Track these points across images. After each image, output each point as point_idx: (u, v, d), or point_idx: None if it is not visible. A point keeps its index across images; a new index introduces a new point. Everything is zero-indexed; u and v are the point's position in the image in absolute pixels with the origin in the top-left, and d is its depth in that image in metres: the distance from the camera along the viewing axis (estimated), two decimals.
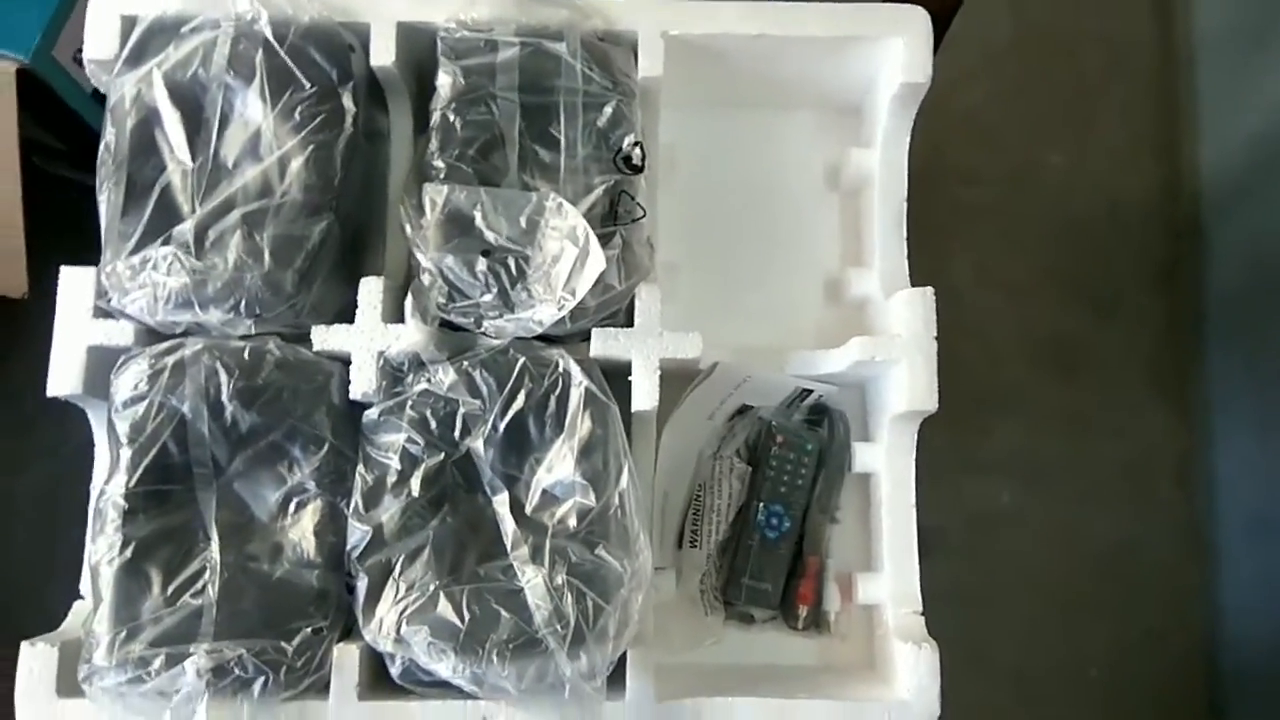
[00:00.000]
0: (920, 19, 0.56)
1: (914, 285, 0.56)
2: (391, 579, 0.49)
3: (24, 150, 0.80)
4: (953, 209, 1.07)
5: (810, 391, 0.58)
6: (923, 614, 0.53)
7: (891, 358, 0.53)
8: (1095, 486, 1.06)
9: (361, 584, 0.49)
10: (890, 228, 0.58)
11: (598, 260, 0.50)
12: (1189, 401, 1.08)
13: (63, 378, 0.51)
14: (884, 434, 0.56)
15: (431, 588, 0.48)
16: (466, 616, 0.48)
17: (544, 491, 0.51)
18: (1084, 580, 1.04)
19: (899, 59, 0.56)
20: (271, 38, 0.52)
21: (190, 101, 0.52)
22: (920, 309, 0.53)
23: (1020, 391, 1.06)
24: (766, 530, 0.56)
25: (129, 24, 0.54)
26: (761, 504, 0.56)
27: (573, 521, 0.50)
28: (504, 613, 0.48)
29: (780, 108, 0.63)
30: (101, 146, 0.53)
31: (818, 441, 0.58)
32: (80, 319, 0.52)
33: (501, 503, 0.51)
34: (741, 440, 0.57)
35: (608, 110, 0.54)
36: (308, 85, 0.52)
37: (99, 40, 0.55)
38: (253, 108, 0.52)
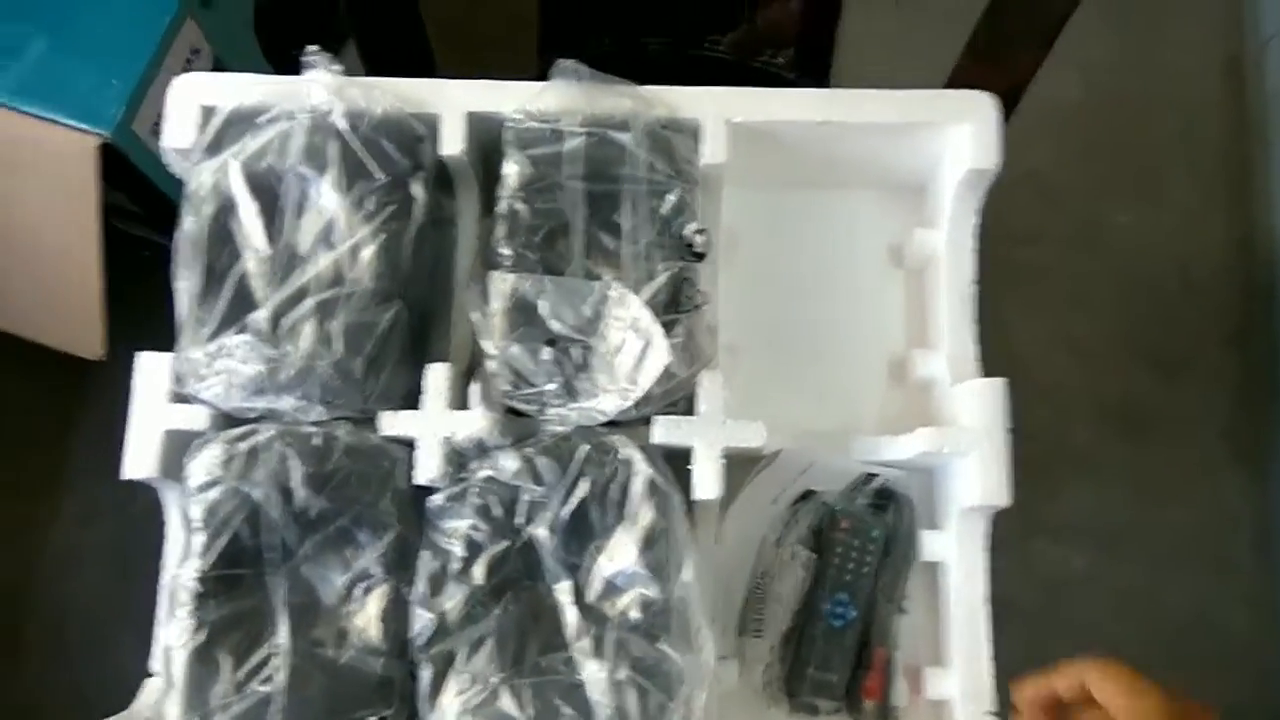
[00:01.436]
0: (988, 106, 0.55)
1: (980, 353, 0.55)
2: (454, 670, 0.49)
3: (103, 214, 0.84)
4: (1018, 269, 1.06)
5: (875, 475, 0.57)
6: (998, 715, 0.52)
7: (961, 450, 0.52)
8: (1169, 554, 1.02)
9: (425, 673, 0.49)
10: (958, 311, 0.57)
11: (661, 352, 0.51)
12: (1266, 466, 1.04)
13: (139, 461, 0.53)
14: (953, 524, 0.54)
15: (494, 681, 0.48)
16: (529, 713, 0.47)
17: (606, 581, 0.51)
18: (1158, 654, 0.99)
19: (966, 145, 0.55)
20: (345, 129, 0.54)
21: (266, 190, 0.54)
22: (991, 400, 0.52)
23: (1089, 455, 1.03)
24: (832, 619, 0.55)
25: (208, 114, 0.56)
26: (826, 592, 0.55)
27: (635, 613, 0.50)
28: (565, 708, 0.48)
29: (842, 187, 0.63)
30: (178, 234, 0.54)
31: (883, 527, 0.56)
32: (157, 403, 0.53)
33: (563, 591, 0.51)
34: (805, 527, 0.56)
35: (671, 198, 0.54)
36: (379, 175, 0.53)
37: (178, 130, 0.57)
38: (326, 197, 0.53)
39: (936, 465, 0.57)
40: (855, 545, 0.56)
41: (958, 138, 0.56)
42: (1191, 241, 1.10)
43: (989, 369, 0.56)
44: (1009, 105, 0.59)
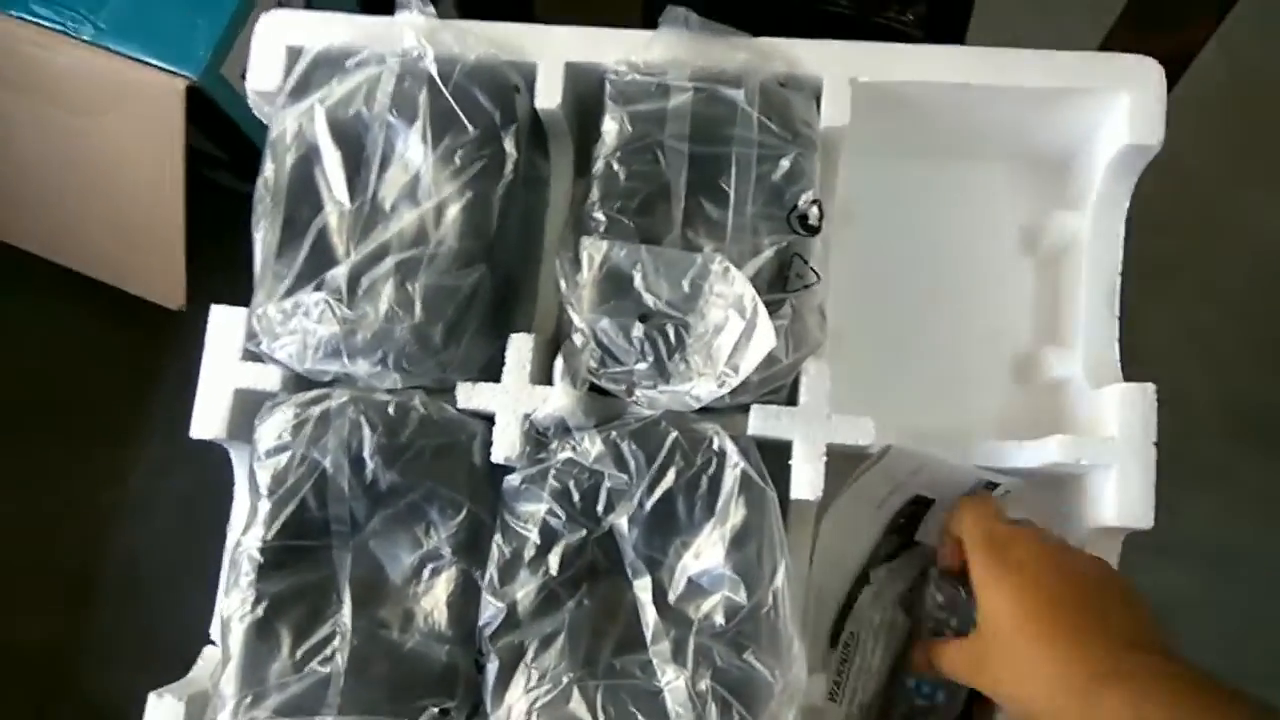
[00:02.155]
0: (1154, 73, 0.48)
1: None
2: (523, 664, 0.45)
3: (188, 160, 0.82)
4: (1146, 260, 0.96)
5: (995, 485, 0.51)
6: None
7: (1101, 462, 0.46)
8: None
9: (492, 666, 0.46)
10: (1100, 306, 0.51)
11: (766, 335, 0.46)
12: None
13: (207, 420, 0.50)
14: (1083, 545, 0.49)
15: (565, 680, 0.45)
16: (600, 717, 0.44)
17: (690, 580, 0.46)
18: (1260, 685, 0.92)
19: (1124, 117, 0.49)
20: (436, 76, 0.50)
21: (352, 140, 0.50)
22: (1140, 408, 0.46)
23: (1215, 467, 0.95)
24: (917, 696, 0.50)
25: (294, 55, 0.53)
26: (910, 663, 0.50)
27: (719, 618, 0.45)
28: (640, 717, 0.44)
29: (973, 159, 0.57)
30: (259, 181, 0.52)
31: None
32: (228, 361, 0.51)
33: (643, 588, 0.47)
34: (903, 585, 0.51)
35: (784, 164, 0.49)
36: (470, 128, 0.49)
37: (263, 71, 0.54)
38: (414, 149, 0.50)
39: (1066, 477, 0.51)
40: (951, 625, 0.50)
41: (1116, 108, 0.49)
42: None
43: None
44: (1174, 76, 0.52)
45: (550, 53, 0.51)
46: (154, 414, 1.05)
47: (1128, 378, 0.49)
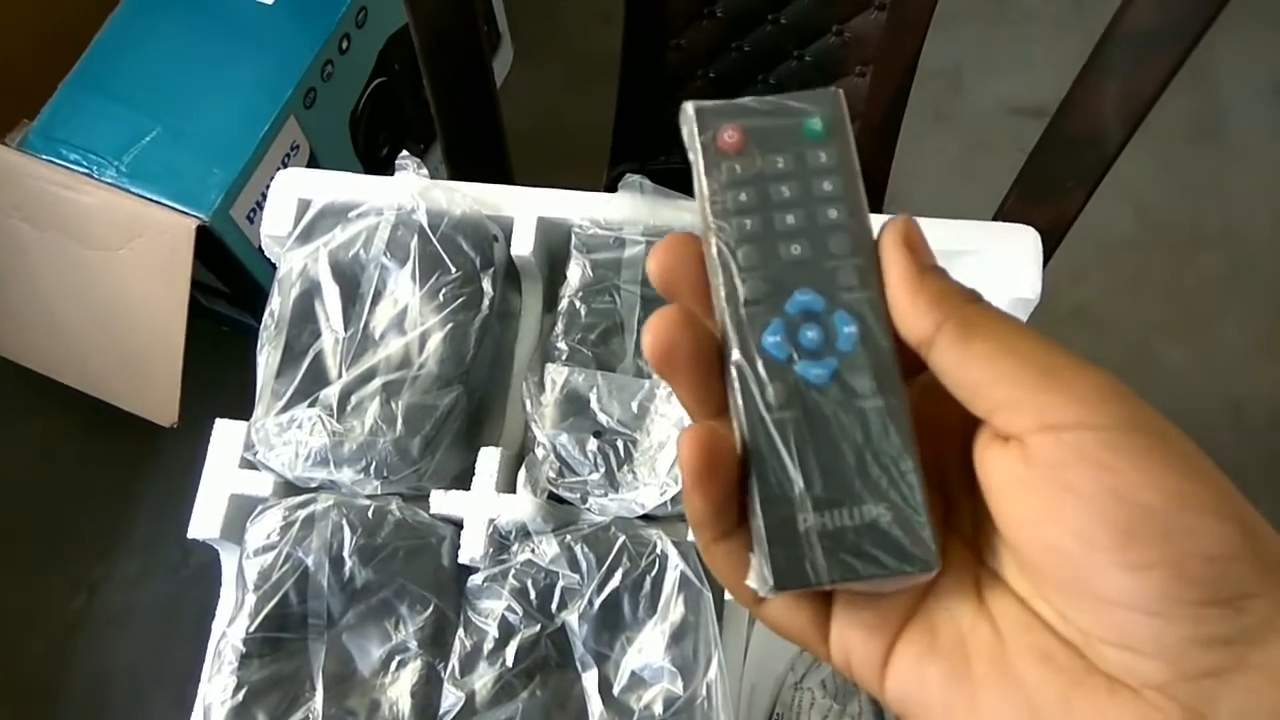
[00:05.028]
0: (1030, 238, 0.58)
1: None
2: None
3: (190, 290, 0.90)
4: None
5: None
6: None
7: None
8: None
9: None
10: None
11: None
12: None
13: (205, 522, 0.56)
14: None
15: None
16: None
17: (632, 673, 0.52)
18: None
19: (1008, 274, 0.58)
20: (427, 226, 0.58)
21: (349, 278, 0.58)
22: None
23: None
24: None
25: (304, 206, 0.61)
26: None
27: (659, 709, 0.50)
28: None
29: None
30: (266, 312, 0.59)
31: None
32: (228, 468, 0.56)
33: (590, 680, 0.52)
34: (828, 671, 0.57)
35: None
36: (453, 270, 0.58)
37: (276, 218, 0.62)
38: (403, 287, 0.58)
39: None
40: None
41: (1000, 267, 0.58)
42: (1244, 384, 1.10)
43: None
44: (1055, 239, 0.61)
45: (525, 209, 0.60)
46: (132, 527, 1.09)
47: None
